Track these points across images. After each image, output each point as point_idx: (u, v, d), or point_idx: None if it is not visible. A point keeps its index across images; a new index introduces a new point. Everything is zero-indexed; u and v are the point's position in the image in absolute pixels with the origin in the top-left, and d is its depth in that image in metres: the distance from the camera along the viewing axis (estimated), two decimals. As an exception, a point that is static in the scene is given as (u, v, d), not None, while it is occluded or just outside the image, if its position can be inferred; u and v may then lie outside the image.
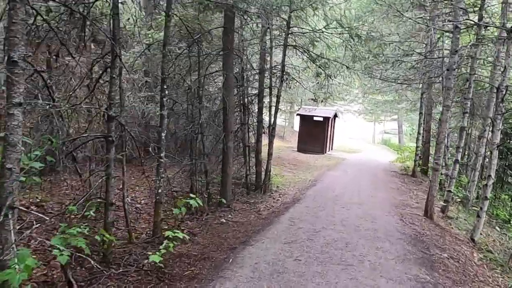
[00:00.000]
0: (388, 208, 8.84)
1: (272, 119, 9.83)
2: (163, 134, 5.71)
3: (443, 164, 13.62)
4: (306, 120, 22.10)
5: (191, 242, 5.77)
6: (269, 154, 9.80)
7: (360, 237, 6.46)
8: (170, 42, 6.73)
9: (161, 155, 5.68)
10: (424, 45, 13.40)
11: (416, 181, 14.28)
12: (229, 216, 7.38)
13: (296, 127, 26.78)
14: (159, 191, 5.69)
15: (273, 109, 9.80)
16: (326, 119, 21.56)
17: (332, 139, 23.57)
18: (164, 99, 5.69)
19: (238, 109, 9.70)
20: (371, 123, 39.02)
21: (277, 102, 9.68)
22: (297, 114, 22.92)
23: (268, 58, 10.19)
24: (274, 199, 9.24)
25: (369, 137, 39.55)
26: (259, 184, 9.77)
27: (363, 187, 11.30)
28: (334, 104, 29.89)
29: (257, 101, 9.87)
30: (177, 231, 4.75)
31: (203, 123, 7.82)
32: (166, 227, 5.99)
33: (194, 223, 6.85)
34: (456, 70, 8.24)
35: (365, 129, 40.51)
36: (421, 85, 15.68)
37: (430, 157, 17.20)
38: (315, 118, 22.12)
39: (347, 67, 9.40)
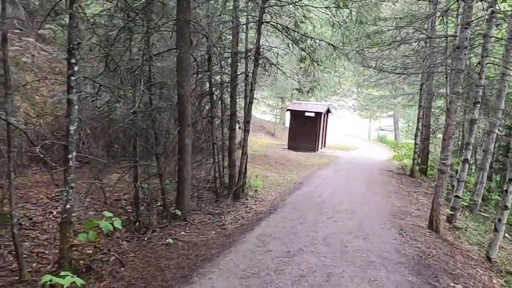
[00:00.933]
0: (385, 218, 7.19)
1: (247, 112, 8.14)
2: (71, 128, 4.02)
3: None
4: (297, 115, 20.47)
5: (112, 276, 4.10)
6: (243, 153, 8.12)
7: (347, 262, 4.80)
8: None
9: (69, 156, 4.00)
10: (424, 30, 11.74)
11: (415, 182, 12.64)
12: (182, 233, 5.70)
13: (288, 123, 25.16)
14: (67, 206, 4.01)
15: (249, 100, 8.11)
16: (318, 114, 19.91)
17: (325, 136, 21.92)
18: (72, 78, 4.00)
19: (207, 99, 8.02)
20: (367, 119, 37.34)
21: (251, 90, 8.00)
22: (288, 110, 21.24)
23: (245, 39, 8.50)
24: (247, 207, 7.57)
25: (365, 134, 37.87)
26: (232, 189, 8.10)
27: (355, 190, 9.64)
28: (328, 100, 28.24)
29: (230, 90, 8.17)
30: (66, 272, 3.07)
31: (155, 115, 6.13)
32: (79, 253, 4.31)
33: (132, 244, 5.16)
34: (467, 48, 6.57)
35: (361, 125, 38.84)
36: (420, 76, 14.04)
37: (429, 155, 15.61)
38: (306, 114, 20.49)
39: (333, 47, 7.68)
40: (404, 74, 12.99)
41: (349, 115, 36.47)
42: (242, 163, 8.12)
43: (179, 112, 6.14)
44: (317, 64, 8.63)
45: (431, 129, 14.90)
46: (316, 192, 9.04)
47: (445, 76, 10.60)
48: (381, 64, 12.75)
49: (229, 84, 8.06)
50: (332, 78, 19.55)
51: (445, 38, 9.47)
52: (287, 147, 20.39)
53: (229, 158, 8.41)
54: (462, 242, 6.94)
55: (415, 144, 13.29)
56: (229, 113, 8.34)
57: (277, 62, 8.02)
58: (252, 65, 8.16)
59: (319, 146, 20.63)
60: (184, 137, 6.16)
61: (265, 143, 21.58)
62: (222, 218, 6.49)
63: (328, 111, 21.54)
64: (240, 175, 8.08)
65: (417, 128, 13.25)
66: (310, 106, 20.52)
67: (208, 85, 7.76)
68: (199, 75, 7.56)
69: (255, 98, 22.10)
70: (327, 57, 8.86)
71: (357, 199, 8.61)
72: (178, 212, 6.03)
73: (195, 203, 7.24)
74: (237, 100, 8.56)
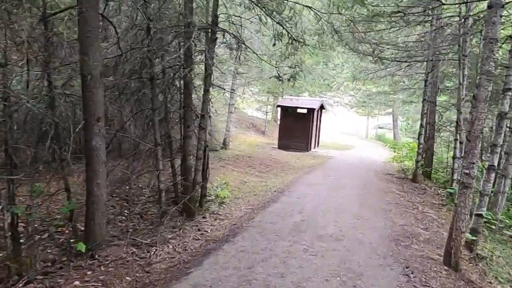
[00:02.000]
0: (384, 247, 5.16)
1: (203, 104, 6.10)
2: None
3: (454, 168, 9.97)
4: (288, 112, 18.42)
5: None
6: (198, 158, 6.08)
7: None
8: None
9: None
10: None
11: (419, 188, 10.60)
12: (76, 283, 3.68)
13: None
14: None
15: (204, 87, 6.07)
16: (311, 111, 17.87)
17: (318, 134, 19.86)
18: None
19: (150, 87, 5.96)
20: (364, 117, 35.21)
21: (207, 77, 5.94)
22: (278, 106, 19.19)
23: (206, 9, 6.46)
24: (199, 230, 5.54)
25: (362, 132, 35.76)
26: (187, 204, 6.07)
27: (347, 202, 7.61)
28: (323, 96, 26.17)
29: (182, 76, 6.12)
30: None
31: (54, 101, 4.13)
32: None
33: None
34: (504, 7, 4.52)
35: (358, 123, 36.71)
36: (424, 65, 12.00)
37: (434, 156, 13.56)
38: (298, 110, 18.48)
39: (317, 16, 5.63)
40: (406, 62, 10.94)
41: (346, 113, 34.38)
42: (197, 171, 6.08)
43: (83, 100, 4.10)
44: (298, 43, 6.59)
45: (435, 127, 12.87)
46: (297, 206, 7.00)
47: (458, 60, 8.55)
48: (379, 52, 10.70)
49: (181, 68, 6.02)
50: (325, 71, 17.51)
51: (458, 11, 7.41)
52: (277, 146, 18.37)
53: (183, 164, 6.39)
54: (490, 282, 4.92)
55: (419, 144, 11.24)
56: (183, 106, 6.31)
57: (243, 37, 5.96)
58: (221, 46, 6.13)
59: (312, 145, 18.60)
60: (92, 137, 4.13)
61: (254, 142, 19.56)
62: (151, 253, 4.46)
63: (322, 107, 19.48)
64: (194, 186, 6.05)
65: (421, 126, 11.20)
66: (302, 101, 18.49)
67: (159, 68, 5.70)
68: (135, 55, 5.51)
69: (240, 95, 20.08)
70: (311, 35, 6.81)
71: (348, 216, 6.57)
72: (81, 247, 4.01)
73: (122, 227, 5.21)
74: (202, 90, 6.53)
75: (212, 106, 13.85)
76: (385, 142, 31.02)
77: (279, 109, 19.30)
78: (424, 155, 12.19)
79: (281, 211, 6.60)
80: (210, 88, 6.24)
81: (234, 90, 15.60)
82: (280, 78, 7.37)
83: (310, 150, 18.06)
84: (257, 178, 10.88)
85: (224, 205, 7.01)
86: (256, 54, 7.05)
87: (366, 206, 7.48)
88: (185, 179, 6.30)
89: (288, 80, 7.50)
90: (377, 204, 7.78)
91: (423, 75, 14.97)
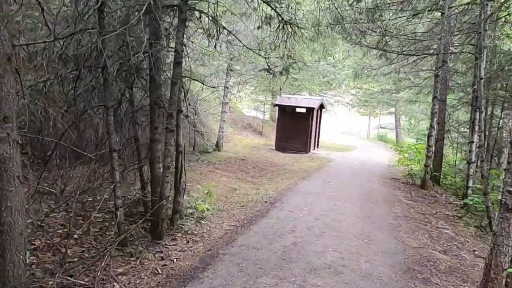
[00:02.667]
0: (397, 284, 3.96)
1: (171, 99, 4.90)
2: None
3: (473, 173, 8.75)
4: (286, 112, 17.23)
5: None
6: (164, 167, 4.88)
7: None
8: None
9: None
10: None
11: (429, 196, 9.38)
12: None
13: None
14: None
15: (173, 79, 4.87)
16: (310, 110, 16.66)
17: (318, 135, 18.64)
18: None
19: (103, 79, 4.77)
20: (366, 117, 33.91)
21: (175, 66, 4.74)
22: (275, 105, 18.00)
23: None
24: (162, 260, 4.34)
25: (364, 132, 34.46)
26: (155, 223, 4.89)
27: (348, 217, 6.40)
28: (323, 95, 24.91)
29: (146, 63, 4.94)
30: None
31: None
32: None
33: None
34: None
35: (359, 123, 35.43)
36: (434, 59, 10.78)
37: (443, 159, 12.32)
38: (297, 110, 17.29)
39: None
40: (415, 55, 9.71)
41: (347, 112, 33.13)
42: (164, 183, 4.89)
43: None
44: (290, 27, 5.40)
45: (445, 127, 11.65)
46: (289, 222, 5.81)
47: (476, 52, 7.34)
48: (384, 44, 9.50)
49: (147, 56, 4.82)
50: (326, 68, 16.28)
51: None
52: (274, 147, 17.17)
53: (151, 174, 5.20)
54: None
55: (428, 146, 10.00)
56: (149, 102, 5.12)
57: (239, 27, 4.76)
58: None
59: (311, 147, 17.39)
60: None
61: (250, 143, 18.37)
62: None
63: (322, 106, 18.26)
64: (161, 200, 4.85)
65: (431, 126, 9.96)
66: (301, 100, 17.27)
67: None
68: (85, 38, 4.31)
69: (234, 93, 18.85)
70: (306, 19, 5.63)
71: (351, 236, 5.37)
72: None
73: (58, 259, 4.01)
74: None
75: (198, 104, 12.64)
76: (387, 142, 29.78)
77: (276, 108, 18.11)
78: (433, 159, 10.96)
79: (269, 230, 5.40)
80: (182, 81, 5.04)
81: (228, 88, 14.40)
82: (271, 71, 6.18)
83: (309, 151, 16.87)
84: (248, 185, 9.69)
85: (203, 222, 5.82)
86: (239, 40, 5.85)
87: (371, 221, 6.28)
88: (152, 192, 5.12)
89: (281, 73, 6.30)
90: (383, 218, 6.57)
91: (431, 71, 13.79)
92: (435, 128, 10.07)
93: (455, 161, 14.55)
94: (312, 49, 10.92)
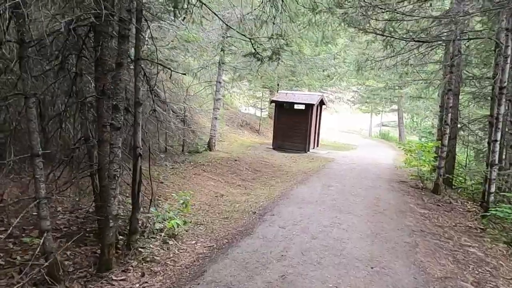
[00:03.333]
0: None
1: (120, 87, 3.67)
2: None
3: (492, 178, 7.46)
4: (283, 108, 15.98)
5: None
6: (110, 177, 3.64)
7: None
8: None
9: None
10: None
11: (443, 202, 8.13)
12: None
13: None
14: None
15: (117, 58, 3.63)
16: (310, 106, 15.40)
17: (318, 133, 17.36)
18: None
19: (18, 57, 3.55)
20: (368, 114, 32.54)
21: (121, 37, 3.50)
22: (272, 101, 16.74)
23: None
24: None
25: (365, 130, 33.11)
26: (101, 249, 3.68)
27: (353, 236, 5.13)
28: (324, 91, 23.60)
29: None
30: None
31: None
32: None
33: None
34: None
35: (361, 121, 34.07)
36: (442, 51, 9.53)
37: (455, 159, 11.04)
38: (295, 106, 16.05)
39: None
40: (427, 42, 8.43)
41: (348, 109, 31.81)
42: (109, 197, 3.65)
43: None
44: (282, 0, 4.16)
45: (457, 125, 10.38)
46: (279, 244, 4.56)
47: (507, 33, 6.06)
48: (392, 30, 8.22)
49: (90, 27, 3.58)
50: (325, 61, 14.96)
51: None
52: (272, 146, 15.92)
53: (99, 183, 3.98)
54: None
55: (442, 146, 8.73)
56: (100, 94, 3.88)
57: None
58: None
59: (311, 146, 16.12)
60: None
61: (246, 142, 17.12)
62: None
63: (322, 102, 16.98)
64: (107, 222, 3.62)
65: (444, 123, 8.68)
66: (300, 96, 16.02)
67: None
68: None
69: (228, 89, 17.64)
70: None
71: (357, 265, 4.12)
72: None
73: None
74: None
75: (188, 100, 11.36)
76: (389, 140, 28.48)
77: (274, 105, 16.85)
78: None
79: (252, 255, 4.16)
80: (141, 65, 3.80)
81: (220, 82, 13.15)
82: (258, 56, 4.95)
83: (308, 151, 15.61)
84: (238, 190, 8.47)
85: (171, 242, 4.60)
86: (215, 14, 4.60)
87: (381, 240, 5.03)
88: (97, 209, 3.89)
89: (270, 58, 5.06)
90: (396, 234, 5.32)
91: (440, 63, 12.49)
92: (449, 125, 8.79)
93: (466, 161, 13.23)
94: (310, 37, 9.63)
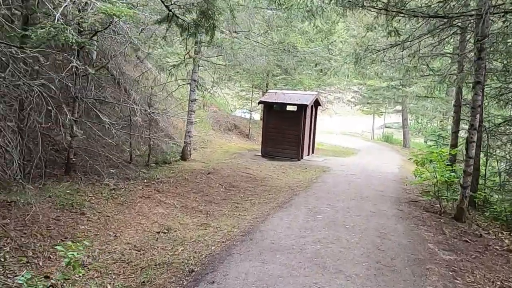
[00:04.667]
0: None
1: None
2: None
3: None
4: (273, 110, 13.76)
5: None
6: None
7: None
8: None
9: None
10: None
11: (471, 235, 5.80)
12: None
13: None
14: None
15: None
16: (302, 107, 13.12)
17: (313, 138, 15.01)
18: None
19: None
20: (370, 116, 30.07)
21: None
22: (260, 102, 14.50)
23: None
24: None
25: (367, 133, 30.63)
26: None
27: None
28: (321, 91, 21.26)
29: None
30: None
31: None
32: None
33: None
34: None
35: (363, 123, 31.60)
36: (465, 33, 7.23)
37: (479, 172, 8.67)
38: (287, 108, 13.83)
39: None
40: (446, 17, 6.12)
41: (349, 111, 29.42)
42: None
43: None
44: None
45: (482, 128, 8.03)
46: None
47: None
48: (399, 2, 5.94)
49: None
50: (318, 53, 12.69)
51: None
52: (260, 154, 13.67)
53: None
54: None
55: (468, 158, 6.39)
56: None
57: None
58: None
59: (305, 152, 13.81)
60: None
61: (232, 148, 14.87)
62: None
63: (317, 103, 14.69)
64: None
65: (472, 127, 6.34)
66: (291, 96, 13.74)
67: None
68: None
69: (208, 88, 15.48)
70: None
71: None
72: None
73: None
74: None
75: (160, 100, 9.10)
76: (393, 143, 26.02)
77: (262, 106, 14.59)
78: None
79: None
80: None
81: (195, 81, 10.94)
82: (178, 21, 2.78)
83: (302, 158, 13.33)
84: (196, 219, 6.22)
85: None
86: None
87: None
88: None
89: (197, 25, 2.84)
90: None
91: (453, 55, 10.16)
92: (477, 130, 6.46)
93: (485, 171, 10.56)
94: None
